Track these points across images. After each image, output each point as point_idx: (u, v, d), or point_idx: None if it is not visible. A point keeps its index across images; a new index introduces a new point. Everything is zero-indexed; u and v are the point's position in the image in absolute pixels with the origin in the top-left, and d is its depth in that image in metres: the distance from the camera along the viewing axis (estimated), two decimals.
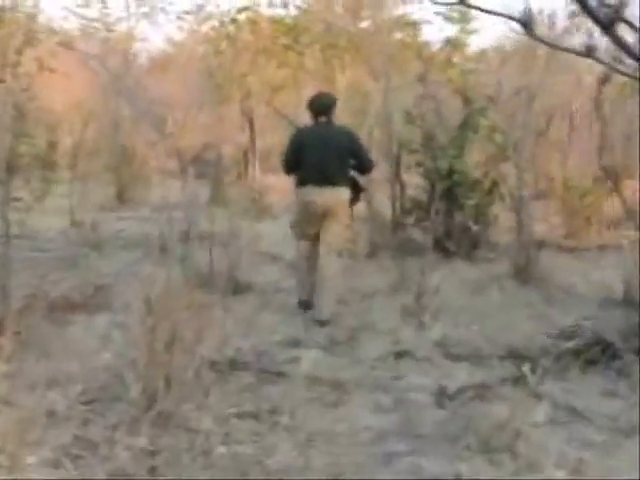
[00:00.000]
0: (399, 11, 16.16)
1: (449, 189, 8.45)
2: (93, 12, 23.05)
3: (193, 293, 6.02)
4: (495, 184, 8.77)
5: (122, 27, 23.06)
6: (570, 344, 5.11)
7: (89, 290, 6.74)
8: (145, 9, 21.29)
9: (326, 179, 6.16)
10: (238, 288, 6.81)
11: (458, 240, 8.54)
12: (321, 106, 6.34)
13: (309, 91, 17.88)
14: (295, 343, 5.49)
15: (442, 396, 4.50)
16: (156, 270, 7.40)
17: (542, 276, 7.41)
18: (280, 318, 6.17)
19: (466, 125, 8.60)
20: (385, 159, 10.44)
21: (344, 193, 6.27)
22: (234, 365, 4.81)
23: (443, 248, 8.36)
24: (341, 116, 17.67)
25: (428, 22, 14.85)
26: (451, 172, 8.47)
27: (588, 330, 5.29)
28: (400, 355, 5.20)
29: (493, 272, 7.76)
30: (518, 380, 4.70)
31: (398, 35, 15.42)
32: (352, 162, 6.33)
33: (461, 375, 4.84)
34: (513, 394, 4.52)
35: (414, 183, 9.32)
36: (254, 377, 4.69)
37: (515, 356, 5.13)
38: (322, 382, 4.64)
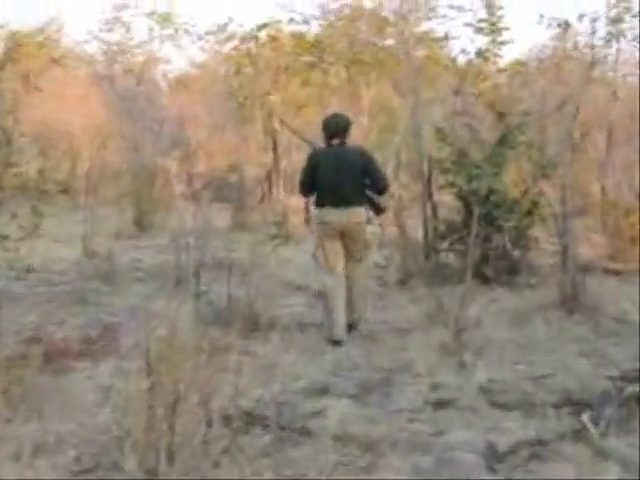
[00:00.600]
0: (424, 26, 15.75)
1: (486, 210, 7.81)
2: (116, 35, 23.09)
3: (206, 334, 5.56)
4: (535, 204, 8.15)
5: (145, 50, 23.08)
6: (634, 388, 4.47)
7: (96, 330, 6.19)
8: (168, 31, 21.07)
9: (342, 200, 6.22)
10: (258, 325, 6.24)
11: (496, 265, 7.90)
12: (336, 127, 6.38)
13: (334, 109, 17.45)
14: (322, 391, 4.88)
15: (492, 456, 3.88)
16: (168, 306, 6.99)
17: (591, 304, 6.76)
18: (305, 359, 5.57)
19: (503, 142, 7.97)
20: (415, 179, 9.90)
21: (361, 212, 6.33)
22: (251, 420, 4.23)
23: (481, 274, 7.73)
24: (368, 134, 17.26)
25: (455, 38, 14.43)
26: (488, 192, 7.83)
27: None
28: (440, 404, 4.58)
29: (536, 300, 7.11)
30: (579, 433, 4.09)
31: (424, 51, 14.98)
32: (367, 182, 6.33)
33: (512, 428, 4.21)
34: (574, 451, 3.91)
35: (447, 204, 8.73)
36: (274, 436, 4.10)
37: (572, 403, 4.50)
38: (352, 441, 4.04)
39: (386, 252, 9.51)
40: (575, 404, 4.47)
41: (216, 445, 3.67)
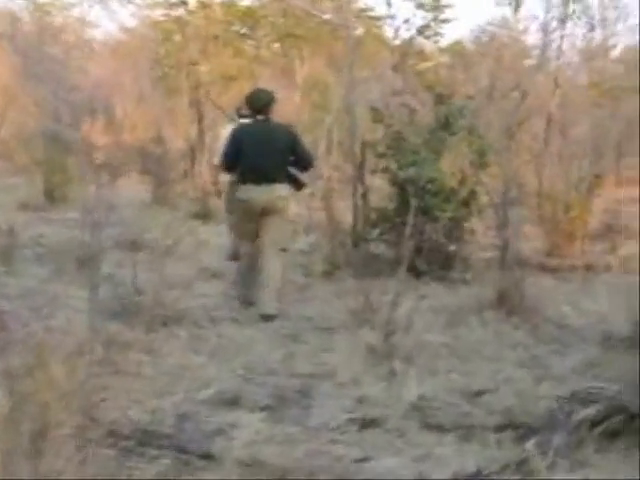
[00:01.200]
0: (362, 3, 15.15)
1: (420, 199, 7.25)
2: None
3: (102, 328, 4.91)
4: (472, 194, 7.63)
5: (73, 11, 22.00)
6: (585, 412, 3.96)
7: None
8: None
9: (265, 177, 6.14)
10: (166, 318, 5.58)
11: (430, 258, 7.37)
12: (259, 103, 6.29)
13: (265, 83, 16.72)
14: (231, 401, 4.24)
15: None
16: (67, 292, 6.28)
17: (529, 305, 6.26)
18: (216, 362, 4.94)
19: (443, 126, 7.41)
20: (346, 161, 9.32)
21: (283, 190, 6.24)
22: (145, 439, 3.58)
23: (413, 267, 7.16)
24: (301, 111, 16.59)
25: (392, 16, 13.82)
26: (423, 180, 7.28)
27: (603, 391, 4.14)
28: (366, 423, 3.99)
29: (471, 298, 6.57)
30: (523, 464, 3.55)
31: (362, 28, 14.37)
32: (291, 159, 6.27)
33: (447, 456, 3.66)
34: None
35: (379, 190, 8.16)
36: (170, 460, 3.46)
37: (514, 426, 3.96)
38: (263, 468, 3.43)
39: (312, 238, 8.95)
40: (518, 427, 3.93)
41: (97, 472, 3.04)
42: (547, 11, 9.31)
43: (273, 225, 6.22)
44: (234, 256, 7.18)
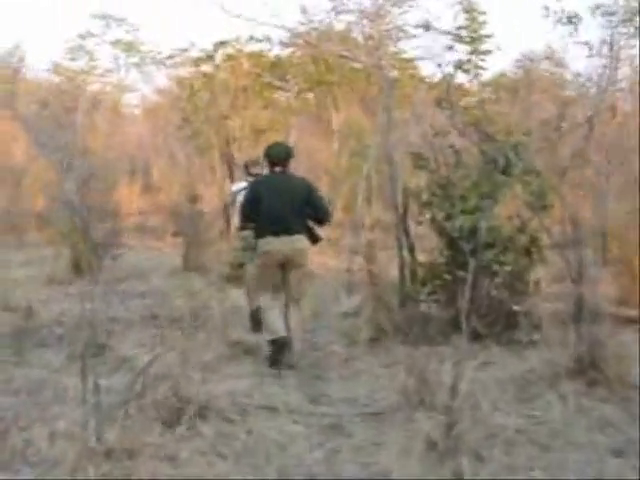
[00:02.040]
0: (394, 48, 14.46)
1: (474, 251, 6.36)
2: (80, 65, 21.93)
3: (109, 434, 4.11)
4: (533, 241, 6.73)
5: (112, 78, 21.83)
6: None
7: None
8: (134, 59, 19.75)
9: (284, 228, 6.16)
10: (189, 412, 4.74)
11: (489, 318, 6.46)
12: (278, 156, 6.34)
13: (298, 132, 16.05)
14: None
15: None
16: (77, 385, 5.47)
17: (613, 370, 5.32)
18: (244, 468, 4.08)
19: (494, 167, 6.54)
20: (388, 211, 8.52)
21: (303, 242, 6.26)
22: None
23: (471, 330, 6.26)
24: (338, 159, 15.86)
25: (425, 58, 13.09)
26: (475, 229, 6.39)
27: None
28: None
29: (543, 364, 5.63)
30: None
31: (395, 72, 13.65)
32: (309, 212, 6.28)
33: None
34: None
35: (426, 242, 7.30)
36: None
37: None
38: None
39: (355, 299, 8.13)
40: None
41: None
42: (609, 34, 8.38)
43: (293, 278, 6.26)
44: (255, 326, 7.09)
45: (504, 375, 5.56)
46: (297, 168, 15.86)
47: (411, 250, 7.18)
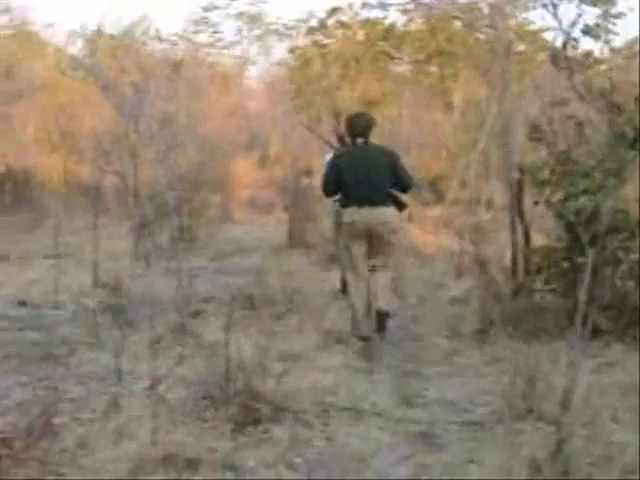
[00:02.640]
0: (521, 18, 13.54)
1: (595, 236, 5.62)
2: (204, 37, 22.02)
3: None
4: None
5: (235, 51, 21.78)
6: None
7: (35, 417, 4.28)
8: (257, 32, 19.51)
9: (368, 199, 6.12)
10: (264, 410, 4.25)
11: (612, 312, 5.72)
12: (359, 126, 6.33)
13: (414, 105, 15.36)
14: None
15: None
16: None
17: None
18: None
19: (622, 140, 5.75)
20: (502, 189, 7.83)
21: (388, 212, 6.21)
22: None
23: (589, 324, 5.55)
24: (457, 133, 15.09)
25: (553, 29, 12.14)
26: (598, 211, 5.64)
27: None
28: None
29: None
30: None
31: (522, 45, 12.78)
32: (393, 181, 6.23)
33: None
34: None
35: (543, 225, 6.59)
36: None
37: None
38: None
39: (466, 283, 7.51)
40: None
41: None
42: None
43: (379, 248, 6.22)
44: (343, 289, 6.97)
45: (628, 379, 4.83)
46: (411, 142, 15.33)
47: (525, 233, 6.49)
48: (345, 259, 6.41)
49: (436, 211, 13.16)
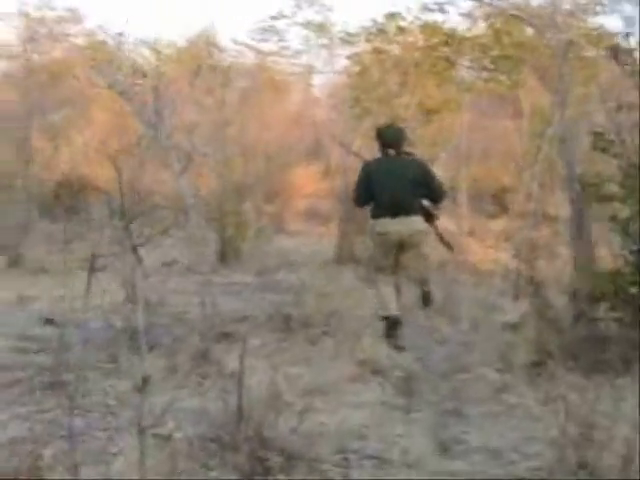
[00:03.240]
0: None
1: None
2: (270, 45, 21.80)
3: None
4: None
5: (301, 60, 21.51)
6: None
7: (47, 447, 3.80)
8: (324, 40, 19.18)
9: (399, 210, 6.13)
10: (282, 458, 3.71)
11: None
12: (390, 138, 6.34)
13: (478, 112, 14.69)
14: None
15: None
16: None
17: None
18: None
19: None
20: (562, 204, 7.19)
21: (418, 222, 6.25)
22: None
23: None
24: (521, 144, 14.35)
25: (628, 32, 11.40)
26: None
27: None
28: None
29: None
30: None
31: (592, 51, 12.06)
32: (424, 192, 6.28)
33: None
34: None
35: (607, 246, 5.92)
36: None
37: None
38: None
39: (522, 306, 6.86)
40: None
41: None
42: None
43: (411, 259, 6.28)
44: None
45: None
46: (474, 151, 14.63)
47: (588, 253, 5.82)
48: (377, 269, 6.41)
49: (499, 224, 12.46)
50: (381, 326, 6.27)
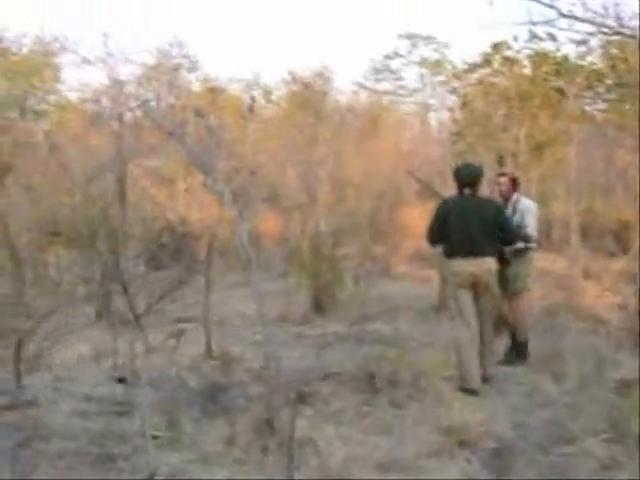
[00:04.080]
0: None
1: None
2: (386, 85, 21.64)
3: None
4: None
5: (417, 98, 21.29)
6: None
7: None
8: (441, 77, 18.85)
9: (473, 250, 6.14)
10: None
11: None
12: (467, 177, 6.27)
13: (592, 146, 13.79)
14: None
15: None
16: None
17: None
18: None
19: None
20: None
21: (492, 263, 6.23)
22: None
23: None
24: None
25: None
26: None
27: None
28: None
29: None
30: None
31: None
32: (498, 234, 6.28)
33: None
34: None
35: None
36: None
37: None
38: None
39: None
40: None
41: None
42: None
43: (484, 299, 6.22)
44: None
45: None
46: (589, 186, 13.64)
47: None
48: (454, 310, 6.32)
49: (619, 264, 11.51)
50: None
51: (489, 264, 6.18)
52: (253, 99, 9.99)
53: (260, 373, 6.63)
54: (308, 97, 18.41)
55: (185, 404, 5.59)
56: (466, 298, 6.17)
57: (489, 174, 12.02)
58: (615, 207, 15.04)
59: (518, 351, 6.88)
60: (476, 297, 6.20)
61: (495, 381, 6.13)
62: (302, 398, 5.64)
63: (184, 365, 6.93)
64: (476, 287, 6.17)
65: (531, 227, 7.01)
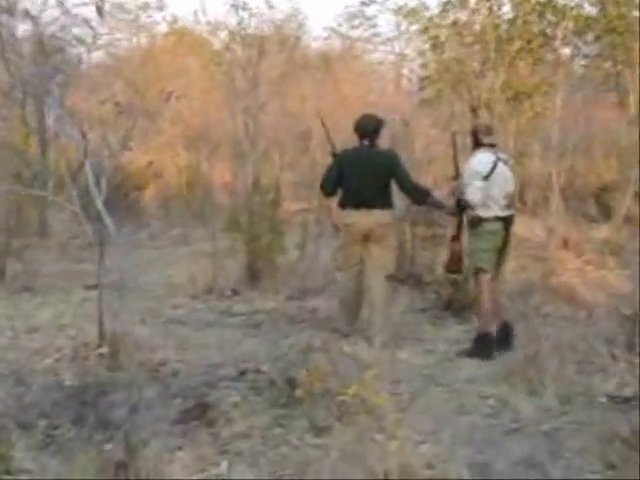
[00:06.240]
0: None
1: None
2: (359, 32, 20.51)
3: None
4: None
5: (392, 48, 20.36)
6: None
7: None
8: (417, 26, 17.31)
9: (364, 202, 6.05)
10: None
11: None
12: (365, 128, 6.14)
13: (573, 101, 12.41)
14: None
15: None
16: None
17: None
18: None
19: None
20: None
21: (384, 216, 6.10)
22: None
23: None
24: (629, 134, 11.91)
25: None
26: None
27: None
28: None
29: None
30: None
31: None
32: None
33: None
34: None
35: None
36: None
37: None
38: None
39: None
40: None
41: None
42: None
43: (375, 252, 6.08)
44: None
45: None
46: (570, 143, 12.21)
47: None
48: (340, 261, 6.30)
49: (602, 232, 10.17)
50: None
51: (380, 217, 6.01)
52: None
53: (157, 368, 5.29)
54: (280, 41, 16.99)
55: (39, 416, 4.19)
56: (353, 250, 6.08)
57: (466, 125, 10.54)
58: (595, 167, 13.74)
59: (479, 346, 5.57)
60: (368, 252, 6.05)
61: (453, 394, 4.76)
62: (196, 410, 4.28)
63: (66, 354, 5.53)
64: (367, 239, 6.03)
65: (471, 191, 5.63)
